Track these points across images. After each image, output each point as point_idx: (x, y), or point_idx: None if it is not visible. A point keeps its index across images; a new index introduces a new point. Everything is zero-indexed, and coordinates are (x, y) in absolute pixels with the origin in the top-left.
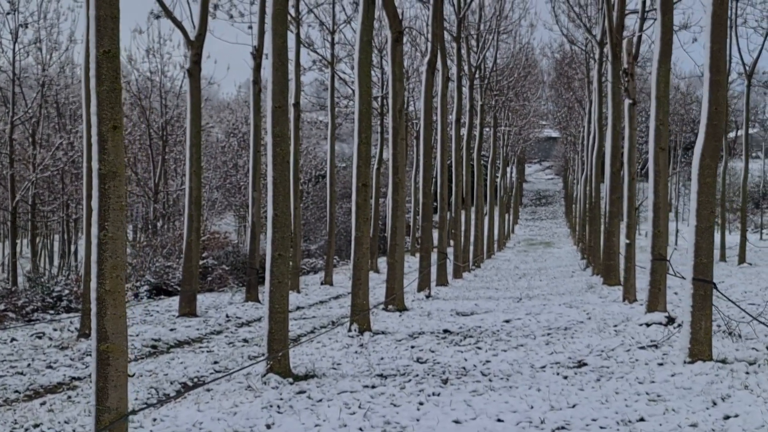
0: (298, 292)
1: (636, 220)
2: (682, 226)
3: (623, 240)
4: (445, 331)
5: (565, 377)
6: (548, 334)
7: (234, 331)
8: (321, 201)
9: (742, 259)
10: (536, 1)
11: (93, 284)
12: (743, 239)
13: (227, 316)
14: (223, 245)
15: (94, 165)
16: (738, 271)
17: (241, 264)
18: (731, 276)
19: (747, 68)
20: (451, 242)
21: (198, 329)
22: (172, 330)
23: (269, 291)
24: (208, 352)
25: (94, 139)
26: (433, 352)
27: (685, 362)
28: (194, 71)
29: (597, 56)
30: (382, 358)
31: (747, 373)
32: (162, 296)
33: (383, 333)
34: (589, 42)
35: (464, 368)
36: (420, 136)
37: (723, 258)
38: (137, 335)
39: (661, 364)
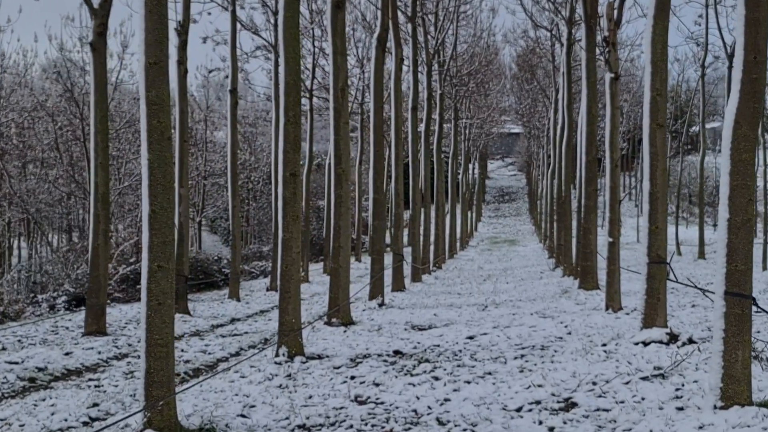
0: (238, 300)
1: (593, 216)
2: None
3: (603, 238)
4: (396, 352)
5: (551, 429)
6: (522, 356)
7: None
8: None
9: None
10: None
11: None
12: None
13: None
14: None
15: None
16: None
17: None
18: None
19: (729, 48)
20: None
21: (100, 353)
22: (67, 354)
23: (146, 316)
24: (95, 387)
25: None
26: (377, 385)
27: (715, 407)
28: (98, 44)
29: (566, 38)
30: (310, 397)
31: None
32: (82, 307)
33: (319, 357)
34: (556, 25)
35: (415, 412)
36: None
37: (702, 255)
38: (21, 362)
39: (681, 409)
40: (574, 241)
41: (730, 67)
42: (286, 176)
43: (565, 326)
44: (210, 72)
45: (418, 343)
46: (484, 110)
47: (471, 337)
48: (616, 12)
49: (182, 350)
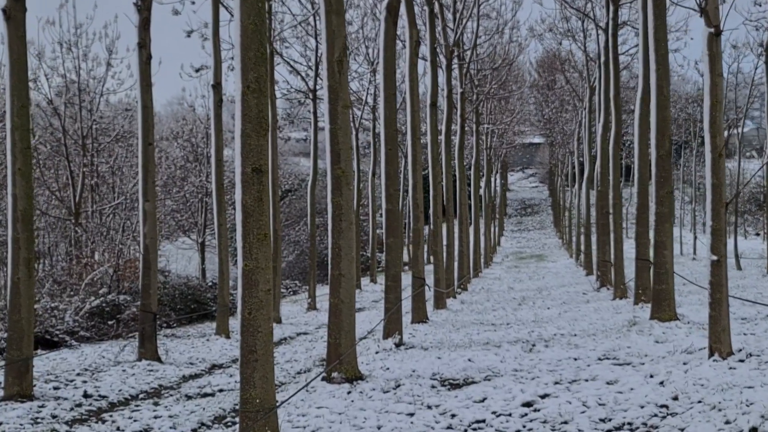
0: (227, 336)
1: (668, 226)
2: (689, 234)
3: (683, 253)
4: None
5: None
6: None
7: (67, 429)
8: (286, 217)
9: None
10: None
11: None
12: None
13: (85, 393)
14: None
15: None
16: None
17: (169, 299)
18: None
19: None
20: (430, 258)
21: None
22: None
23: None
24: None
25: None
26: None
27: None
28: (14, 11)
29: (611, 15)
30: None
31: None
32: (38, 350)
33: None
34: (591, 9)
35: None
36: (381, 118)
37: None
38: None
39: None
40: (625, 255)
41: None
42: (246, 173)
43: (661, 383)
44: (197, 71)
45: (453, 416)
46: (507, 115)
47: (528, 404)
48: None
49: (118, 428)
